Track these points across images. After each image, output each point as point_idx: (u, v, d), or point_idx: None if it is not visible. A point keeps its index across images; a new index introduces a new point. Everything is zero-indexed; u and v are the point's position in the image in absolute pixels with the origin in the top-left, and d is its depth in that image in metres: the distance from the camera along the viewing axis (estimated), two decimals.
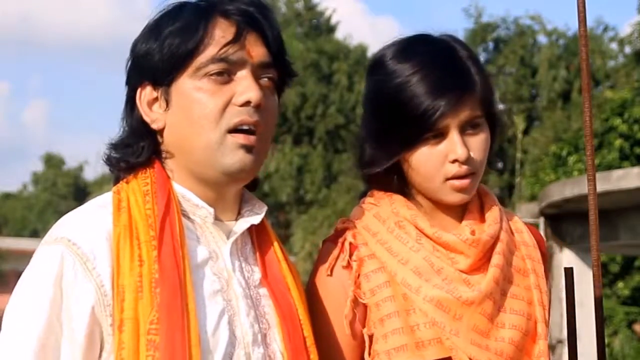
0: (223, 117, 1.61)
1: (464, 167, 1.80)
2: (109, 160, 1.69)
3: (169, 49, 1.61)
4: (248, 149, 1.62)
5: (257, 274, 1.69)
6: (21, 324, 1.51)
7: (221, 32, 1.62)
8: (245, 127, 1.61)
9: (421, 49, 1.85)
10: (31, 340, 1.49)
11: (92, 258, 1.53)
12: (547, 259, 1.98)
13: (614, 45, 29.43)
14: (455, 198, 1.83)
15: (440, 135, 1.80)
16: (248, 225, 1.69)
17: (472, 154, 1.80)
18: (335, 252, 1.85)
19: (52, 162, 52.22)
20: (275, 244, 1.74)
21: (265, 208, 1.72)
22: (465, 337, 1.76)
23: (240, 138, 1.61)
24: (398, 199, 1.88)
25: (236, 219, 1.70)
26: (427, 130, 1.79)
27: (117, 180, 1.68)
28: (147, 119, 1.65)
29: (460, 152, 1.78)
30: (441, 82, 1.79)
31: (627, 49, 28.38)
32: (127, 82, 1.69)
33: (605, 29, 29.67)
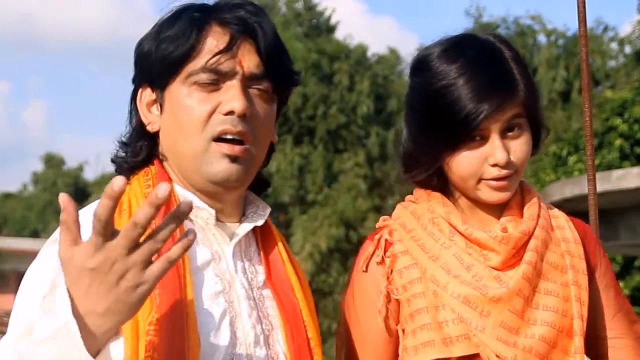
0: (208, 125, 1.61)
1: (504, 171, 1.81)
2: (114, 160, 1.71)
3: (163, 53, 1.62)
4: (233, 158, 1.62)
5: (261, 275, 1.69)
6: (13, 322, 1.51)
7: (214, 40, 1.62)
8: (229, 137, 1.61)
9: (466, 51, 1.85)
10: (13, 337, 1.48)
11: None
12: (596, 251, 1.95)
13: (614, 45, 29.42)
14: (494, 197, 1.84)
15: (480, 138, 1.81)
16: (251, 227, 1.69)
17: (512, 157, 1.82)
18: (371, 248, 1.89)
19: (52, 162, 52.16)
20: (280, 244, 1.74)
21: (268, 210, 1.73)
22: (492, 333, 1.77)
23: (224, 147, 1.61)
24: (436, 197, 1.91)
25: (240, 221, 1.70)
26: (469, 133, 1.80)
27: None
28: (144, 120, 1.67)
29: (500, 157, 1.80)
30: (484, 86, 1.80)
31: (627, 49, 28.37)
32: (133, 81, 1.71)
33: (605, 29, 29.64)
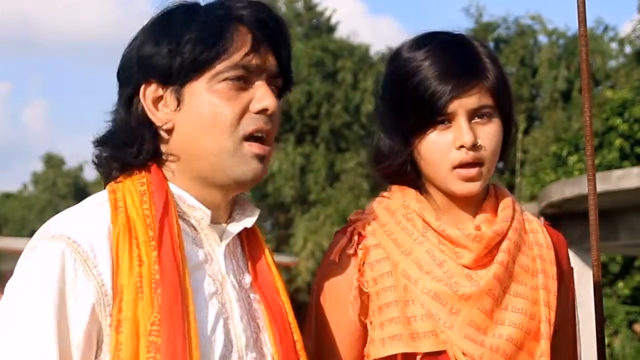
0: (240, 124, 1.60)
1: (470, 154, 1.80)
2: (98, 159, 1.65)
3: (191, 54, 1.59)
4: (261, 158, 1.62)
5: (247, 277, 1.69)
6: (31, 331, 1.47)
7: (240, 39, 1.61)
8: (259, 135, 1.61)
9: (436, 39, 1.87)
10: (50, 347, 1.46)
11: (92, 257, 1.51)
12: (566, 260, 1.96)
13: (614, 45, 29.41)
14: (463, 188, 1.83)
15: (448, 122, 1.81)
16: (242, 227, 1.68)
17: (479, 142, 1.81)
18: (344, 240, 1.88)
19: (52, 162, 52.18)
20: (265, 248, 1.74)
21: (258, 211, 1.71)
22: (460, 331, 1.77)
23: (256, 148, 1.61)
24: (410, 192, 1.90)
25: (227, 222, 1.69)
26: (435, 115, 1.80)
27: (107, 179, 1.65)
28: (153, 118, 1.62)
29: (467, 138, 1.79)
30: (450, 67, 1.81)
31: (627, 49, 28.37)
32: (127, 79, 1.65)
33: (605, 29, 29.64)
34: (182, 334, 1.49)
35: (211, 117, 1.60)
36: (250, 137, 1.61)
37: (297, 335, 1.67)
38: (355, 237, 1.87)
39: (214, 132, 1.60)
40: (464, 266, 1.82)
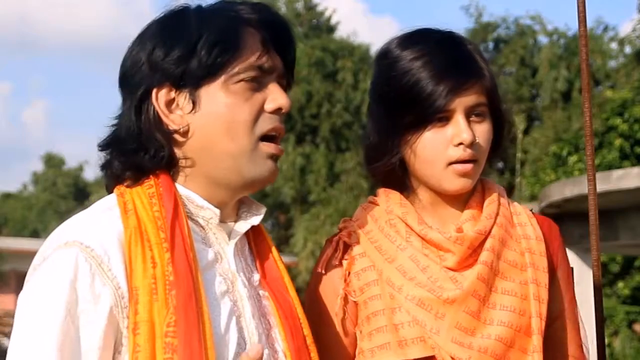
0: (257, 124, 1.61)
1: (468, 151, 1.80)
2: (109, 164, 1.64)
3: (209, 57, 1.60)
4: (275, 158, 1.64)
5: (256, 274, 1.70)
6: (38, 329, 1.48)
7: (252, 41, 1.63)
8: (273, 134, 1.63)
9: (426, 37, 1.87)
10: (50, 347, 1.46)
11: (107, 260, 1.51)
12: (558, 250, 1.93)
13: (614, 45, 29.43)
14: (457, 184, 1.82)
15: (445, 119, 1.81)
16: (249, 225, 1.69)
17: (477, 139, 1.81)
18: (329, 251, 1.87)
19: (52, 162, 52.19)
20: (271, 245, 1.75)
21: (264, 209, 1.72)
22: (447, 335, 1.76)
23: (272, 148, 1.63)
24: (395, 196, 1.89)
25: (235, 221, 1.70)
26: (433, 113, 1.80)
27: (115, 184, 1.64)
28: (167, 121, 1.61)
29: (466, 136, 1.79)
30: (448, 66, 1.81)
31: (627, 49, 28.39)
32: (135, 83, 1.63)
33: (605, 29, 29.66)
34: (198, 335, 1.49)
35: (229, 118, 1.60)
36: (264, 137, 1.62)
37: (306, 330, 1.68)
38: (341, 247, 1.87)
39: (232, 132, 1.60)
40: (448, 269, 1.80)
